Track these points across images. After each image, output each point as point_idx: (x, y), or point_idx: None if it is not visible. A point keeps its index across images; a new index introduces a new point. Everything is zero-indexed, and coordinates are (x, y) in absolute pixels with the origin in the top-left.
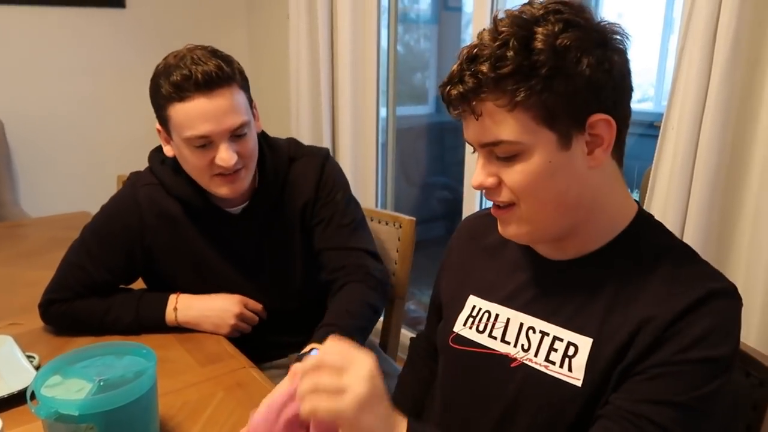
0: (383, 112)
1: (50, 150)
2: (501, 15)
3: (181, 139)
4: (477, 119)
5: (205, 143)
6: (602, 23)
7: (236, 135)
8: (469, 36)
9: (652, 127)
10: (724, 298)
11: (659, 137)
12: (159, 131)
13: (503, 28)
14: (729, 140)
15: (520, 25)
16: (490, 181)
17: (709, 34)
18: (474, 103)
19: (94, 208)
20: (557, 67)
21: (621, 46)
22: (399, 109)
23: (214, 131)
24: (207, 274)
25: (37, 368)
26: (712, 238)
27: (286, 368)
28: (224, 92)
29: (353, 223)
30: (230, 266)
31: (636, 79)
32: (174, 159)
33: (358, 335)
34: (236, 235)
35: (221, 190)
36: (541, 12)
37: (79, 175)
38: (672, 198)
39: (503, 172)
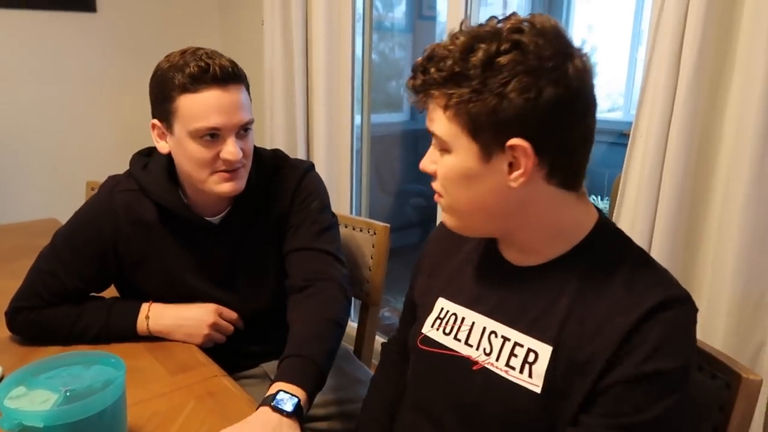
0: (358, 119)
1: (16, 156)
2: (468, 23)
3: (186, 132)
4: (425, 109)
5: (214, 135)
6: (554, 54)
7: (242, 132)
8: None
9: (622, 136)
10: (673, 308)
11: (628, 145)
12: (154, 126)
13: (459, 36)
14: (695, 148)
15: (472, 36)
16: (431, 167)
17: (675, 47)
18: (422, 95)
19: (61, 215)
20: (485, 84)
21: (564, 81)
22: (374, 117)
23: (225, 124)
24: (180, 283)
25: (0, 379)
26: (679, 243)
27: (258, 378)
28: (237, 88)
29: (322, 228)
30: (205, 276)
31: (605, 89)
32: (159, 164)
33: (326, 360)
34: (214, 244)
35: (222, 187)
36: (503, 27)
37: (47, 181)
38: (641, 204)
39: (438, 162)
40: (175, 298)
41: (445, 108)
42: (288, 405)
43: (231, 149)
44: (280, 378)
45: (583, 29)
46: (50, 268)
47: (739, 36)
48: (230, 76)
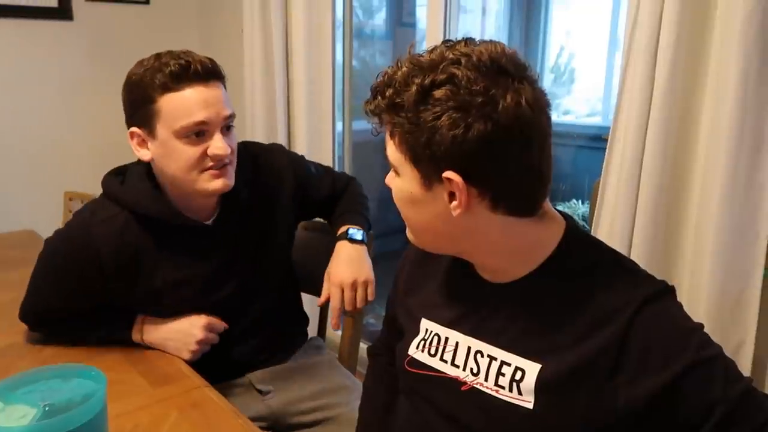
0: (339, 126)
1: None
2: (415, 52)
3: (171, 132)
4: (380, 132)
5: (200, 132)
6: (485, 89)
7: (226, 127)
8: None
9: (601, 140)
10: (661, 300)
11: (607, 150)
12: (133, 134)
13: (402, 66)
14: (671, 151)
15: (413, 66)
16: (391, 183)
17: (650, 52)
18: (376, 119)
19: (39, 226)
20: (419, 117)
21: (494, 116)
22: (355, 124)
23: (211, 118)
24: (175, 293)
25: None
26: (658, 245)
27: (243, 386)
28: (218, 84)
29: (315, 167)
30: (201, 281)
31: (584, 95)
32: (137, 176)
33: (368, 213)
34: (209, 247)
35: (213, 184)
36: (446, 56)
37: (23, 192)
38: (620, 208)
39: (393, 182)
40: (168, 309)
41: (391, 134)
42: (359, 235)
43: (219, 144)
44: (342, 223)
45: (561, 35)
46: (40, 298)
47: (712, 41)
48: (211, 72)
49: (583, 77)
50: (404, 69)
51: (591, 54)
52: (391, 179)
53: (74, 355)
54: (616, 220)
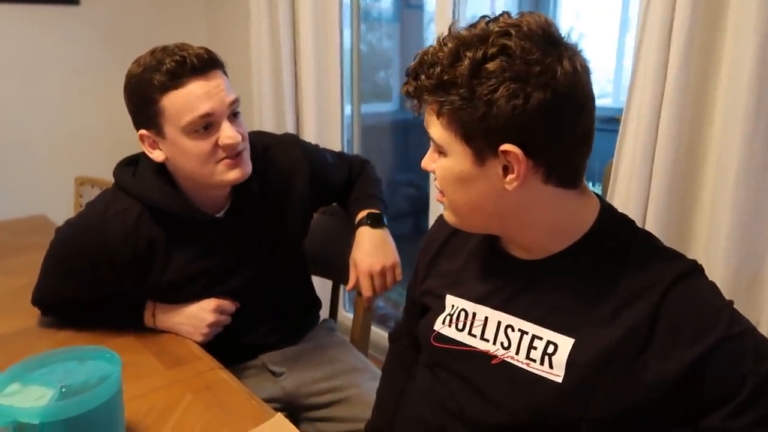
0: (348, 109)
1: (2, 151)
2: (457, 26)
3: (179, 130)
4: (420, 113)
5: (207, 124)
6: (541, 57)
7: (233, 114)
8: (432, 34)
9: (611, 122)
10: (693, 276)
11: (620, 132)
12: (143, 137)
13: (447, 42)
14: (686, 132)
15: (460, 42)
16: (432, 166)
17: (664, 32)
18: (417, 101)
19: (50, 211)
20: (473, 92)
21: (552, 84)
22: (363, 107)
23: (216, 108)
24: (188, 284)
25: None
26: (672, 226)
27: (256, 368)
28: (217, 73)
29: (330, 155)
30: (214, 272)
31: (593, 77)
32: (149, 170)
33: (383, 196)
34: (221, 240)
35: (230, 175)
36: (491, 30)
37: (35, 177)
38: (633, 190)
39: (437, 163)
40: (179, 300)
41: (438, 114)
42: (379, 219)
43: (229, 133)
44: (360, 208)
45: (571, 16)
46: (50, 288)
47: (728, 20)
48: (207, 63)
49: (593, 59)
50: (450, 46)
51: (601, 35)
52: (431, 161)
53: (89, 338)
54: (629, 202)
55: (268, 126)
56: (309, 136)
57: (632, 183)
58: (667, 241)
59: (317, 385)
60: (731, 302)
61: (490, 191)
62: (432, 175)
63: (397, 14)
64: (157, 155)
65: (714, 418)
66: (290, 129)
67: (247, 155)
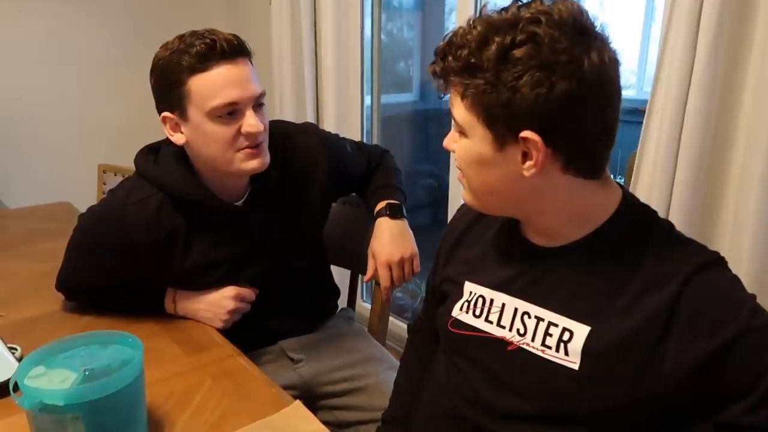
0: (368, 100)
1: (28, 139)
2: (487, 9)
3: (203, 114)
4: (447, 94)
5: (232, 111)
6: (569, 47)
7: (257, 105)
8: (453, 23)
9: (634, 114)
10: (712, 270)
11: (644, 123)
12: (166, 119)
13: (477, 25)
14: (713, 124)
15: (489, 26)
16: (453, 146)
17: (692, 22)
18: (443, 81)
19: (74, 198)
20: (499, 77)
21: (578, 75)
22: (383, 97)
23: (242, 97)
24: (208, 273)
25: (19, 360)
26: (696, 218)
27: (274, 354)
28: (245, 61)
29: (350, 145)
30: (233, 260)
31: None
32: (171, 157)
33: (402, 186)
34: (241, 227)
35: (249, 164)
36: (522, 16)
37: (59, 165)
38: (657, 181)
39: (458, 143)
40: (199, 288)
41: (462, 96)
42: (398, 210)
43: (252, 122)
44: (380, 198)
45: (594, 6)
46: (74, 274)
47: (758, 12)
48: (237, 49)
49: (617, 49)
50: (479, 29)
51: (625, 26)
52: (453, 141)
53: (112, 323)
54: (652, 194)
55: (289, 116)
56: (329, 126)
57: (656, 176)
58: (690, 234)
59: (335, 374)
60: (754, 296)
61: (508, 176)
62: (453, 155)
63: (418, 3)
64: (177, 138)
65: (730, 413)
66: (310, 119)
67: (266, 146)
